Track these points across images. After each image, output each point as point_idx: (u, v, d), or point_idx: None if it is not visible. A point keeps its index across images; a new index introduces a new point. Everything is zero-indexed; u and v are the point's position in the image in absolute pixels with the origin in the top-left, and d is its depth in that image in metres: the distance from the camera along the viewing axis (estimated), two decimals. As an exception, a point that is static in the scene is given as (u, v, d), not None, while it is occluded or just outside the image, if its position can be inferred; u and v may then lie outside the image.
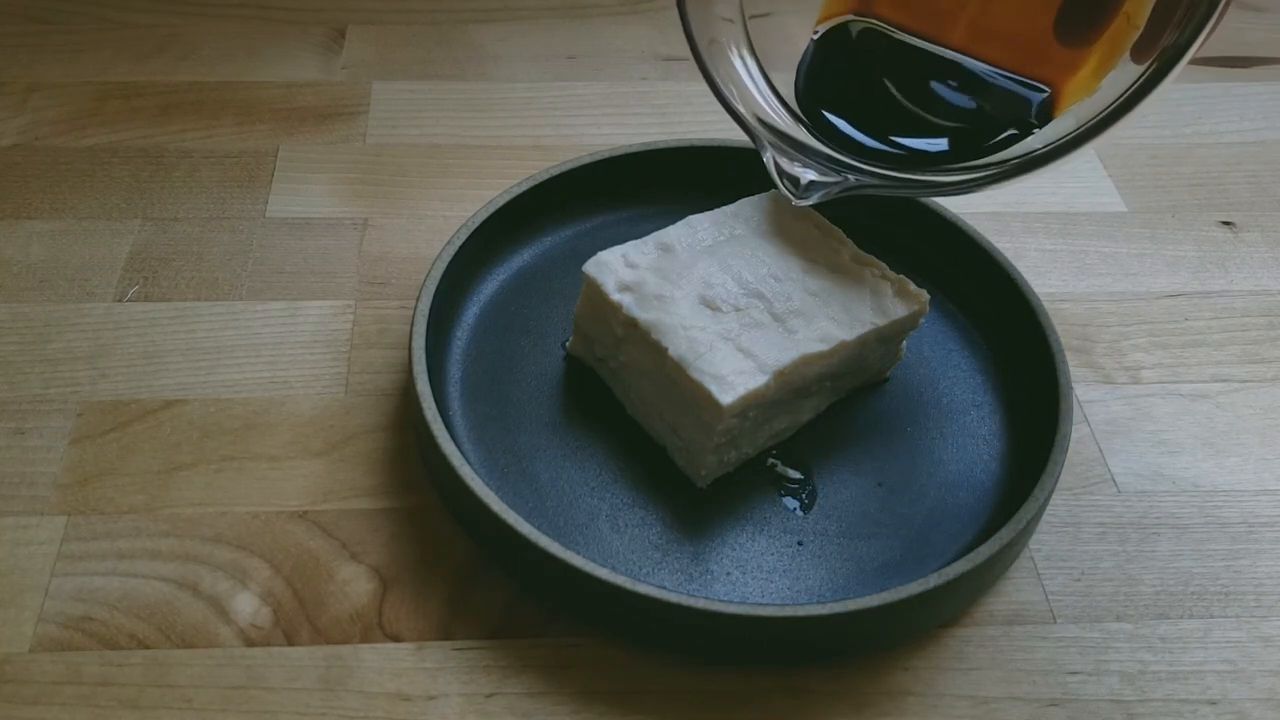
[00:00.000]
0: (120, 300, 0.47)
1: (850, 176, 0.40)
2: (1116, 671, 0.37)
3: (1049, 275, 0.51)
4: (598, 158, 0.49)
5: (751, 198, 0.44)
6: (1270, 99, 0.63)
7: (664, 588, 0.35)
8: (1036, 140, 0.38)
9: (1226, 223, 0.55)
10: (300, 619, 0.37)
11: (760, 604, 0.35)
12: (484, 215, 0.46)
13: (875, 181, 0.40)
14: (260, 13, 0.64)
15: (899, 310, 0.41)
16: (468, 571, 0.38)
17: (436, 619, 0.37)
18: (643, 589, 0.35)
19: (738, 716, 0.35)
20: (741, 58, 0.42)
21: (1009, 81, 0.40)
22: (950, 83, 0.41)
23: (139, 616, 0.36)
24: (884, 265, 0.42)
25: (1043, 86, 0.39)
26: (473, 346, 0.44)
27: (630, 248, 0.42)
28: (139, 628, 0.36)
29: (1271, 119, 0.61)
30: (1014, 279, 0.45)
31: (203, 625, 0.36)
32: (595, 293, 0.41)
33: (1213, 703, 0.37)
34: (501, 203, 0.47)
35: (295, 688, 0.35)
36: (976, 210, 0.53)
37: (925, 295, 0.42)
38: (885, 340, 0.42)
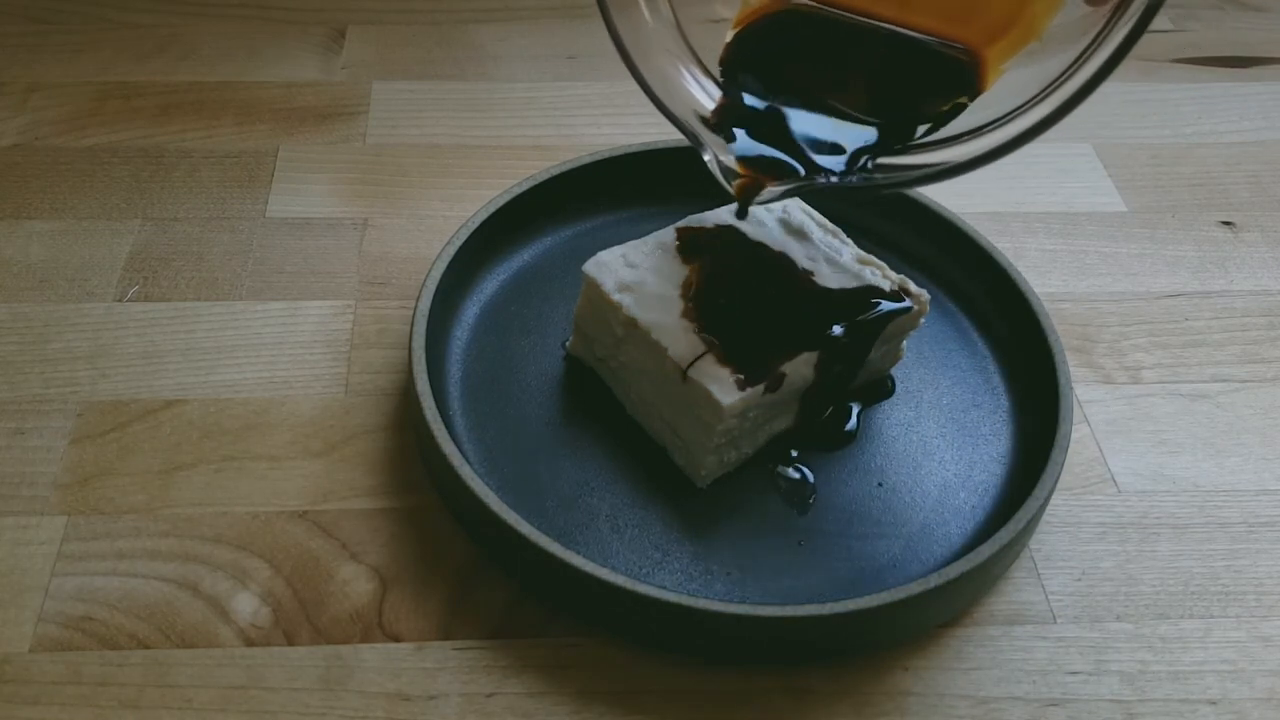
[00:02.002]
0: (120, 300, 0.47)
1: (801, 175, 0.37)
2: (1116, 671, 0.37)
3: (1049, 275, 0.51)
4: (598, 158, 0.49)
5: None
6: (1270, 99, 0.63)
7: (664, 588, 0.35)
8: (995, 108, 0.35)
9: (1226, 223, 0.55)
10: (300, 619, 0.37)
11: (760, 604, 0.35)
12: (484, 215, 0.46)
13: (829, 183, 0.37)
14: (260, 13, 0.64)
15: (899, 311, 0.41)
16: (468, 571, 0.38)
17: (436, 619, 0.37)
18: (643, 589, 0.35)
19: (738, 716, 0.35)
20: (679, 56, 0.40)
21: (945, 49, 0.37)
22: (880, 62, 0.38)
23: (139, 616, 0.36)
24: (884, 265, 0.42)
25: (970, 51, 0.36)
26: (473, 346, 0.44)
27: (630, 248, 0.42)
28: (139, 628, 0.36)
29: (1271, 119, 0.61)
30: (1014, 279, 0.45)
31: (203, 625, 0.36)
32: (595, 293, 0.41)
33: (1213, 703, 0.37)
34: (501, 203, 0.47)
35: (295, 688, 0.35)
36: (977, 210, 0.53)
37: (925, 295, 0.42)
38: (885, 340, 0.42)
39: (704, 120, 0.39)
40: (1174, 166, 0.58)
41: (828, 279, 0.41)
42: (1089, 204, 0.55)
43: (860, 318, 0.40)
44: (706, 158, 0.38)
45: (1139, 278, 0.51)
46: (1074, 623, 0.38)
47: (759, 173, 0.38)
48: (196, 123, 0.56)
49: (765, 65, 0.39)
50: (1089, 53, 0.32)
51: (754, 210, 0.43)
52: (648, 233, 0.42)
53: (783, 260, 0.42)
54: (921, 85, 0.38)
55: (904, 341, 0.44)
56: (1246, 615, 0.39)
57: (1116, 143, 0.59)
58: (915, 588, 0.35)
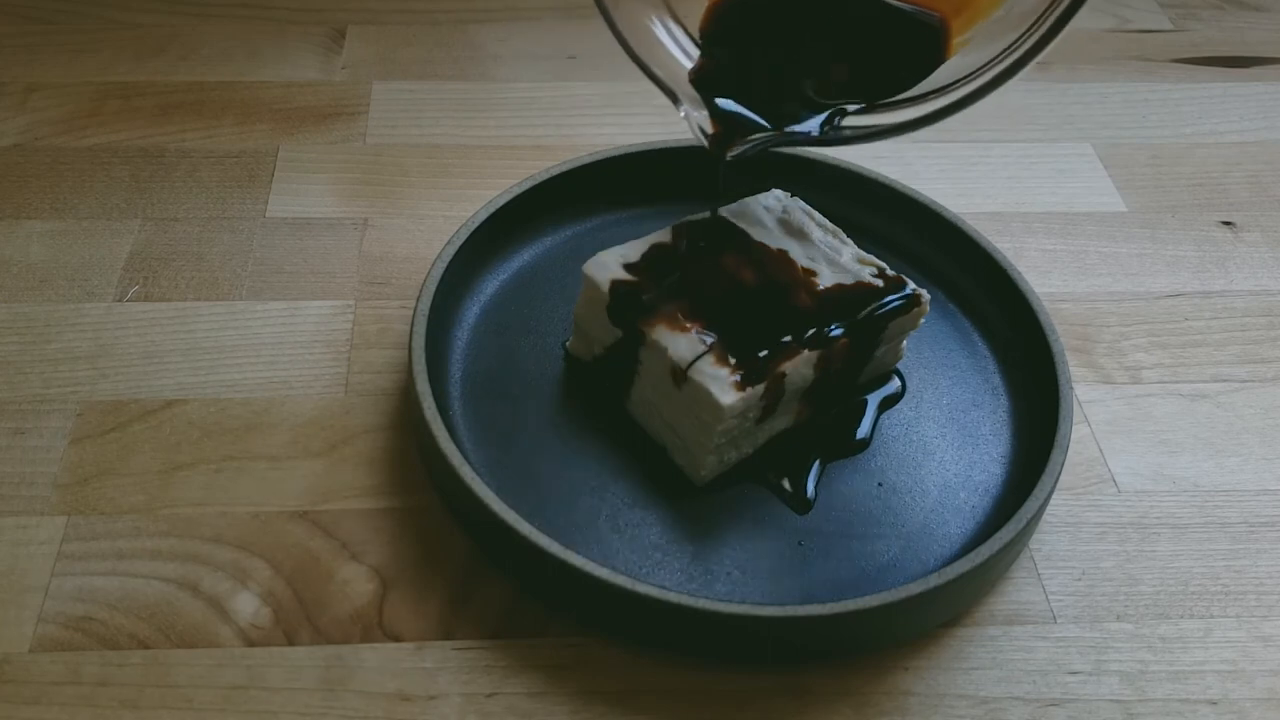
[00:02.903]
0: (120, 300, 0.47)
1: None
2: (1116, 671, 0.37)
3: (1049, 275, 0.51)
4: (598, 158, 0.49)
5: (752, 197, 0.44)
6: (1270, 99, 0.63)
7: (664, 588, 0.35)
8: (957, 69, 0.37)
9: (1226, 223, 0.55)
10: (300, 619, 0.37)
11: (760, 604, 0.35)
12: (484, 215, 0.46)
13: (798, 137, 0.39)
14: (260, 13, 0.64)
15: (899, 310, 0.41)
16: (468, 571, 0.38)
17: (436, 619, 0.37)
18: (643, 589, 0.35)
19: (738, 716, 0.35)
20: (659, 14, 0.41)
21: (917, 15, 0.39)
22: (853, 25, 0.40)
23: (139, 616, 0.36)
24: (884, 265, 0.42)
25: (936, 15, 0.38)
26: (473, 346, 0.44)
27: (630, 248, 0.42)
28: (139, 628, 0.36)
29: (1271, 119, 0.61)
30: (1014, 279, 0.45)
31: (203, 625, 0.36)
32: (595, 293, 0.41)
33: (1213, 703, 0.37)
34: (501, 203, 0.47)
35: (295, 688, 0.35)
36: (977, 210, 0.53)
37: (925, 295, 0.42)
38: (886, 340, 0.42)
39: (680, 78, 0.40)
40: (1174, 166, 0.58)
41: (828, 279, 0.41)
42: (1089, 204, 0.55)
43: (860, 317, 0.40)
44: (681, 113, 0.39)
45: (1139, 278, 0.51)
46: (1074, 623, 0.38)
47: (732, 128, 0.39)
48: (196, 123, 0.56)
49: (743, 26, 0.41)
50: (1045, 17, 0.33)
51: (754, 210, 0.44)
52: (648, 233, 0.42)
53: (783, 260, 0.42)
54: (891, 50, 0.39)
55: (904, 341, 0.44)
56: (1246, 615, 0.39)
57: (1116, 143, 0.59)
58: (915, 588, 0.35)
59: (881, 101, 0.38)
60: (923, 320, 0.43)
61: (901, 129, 0.36)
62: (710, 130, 0.39)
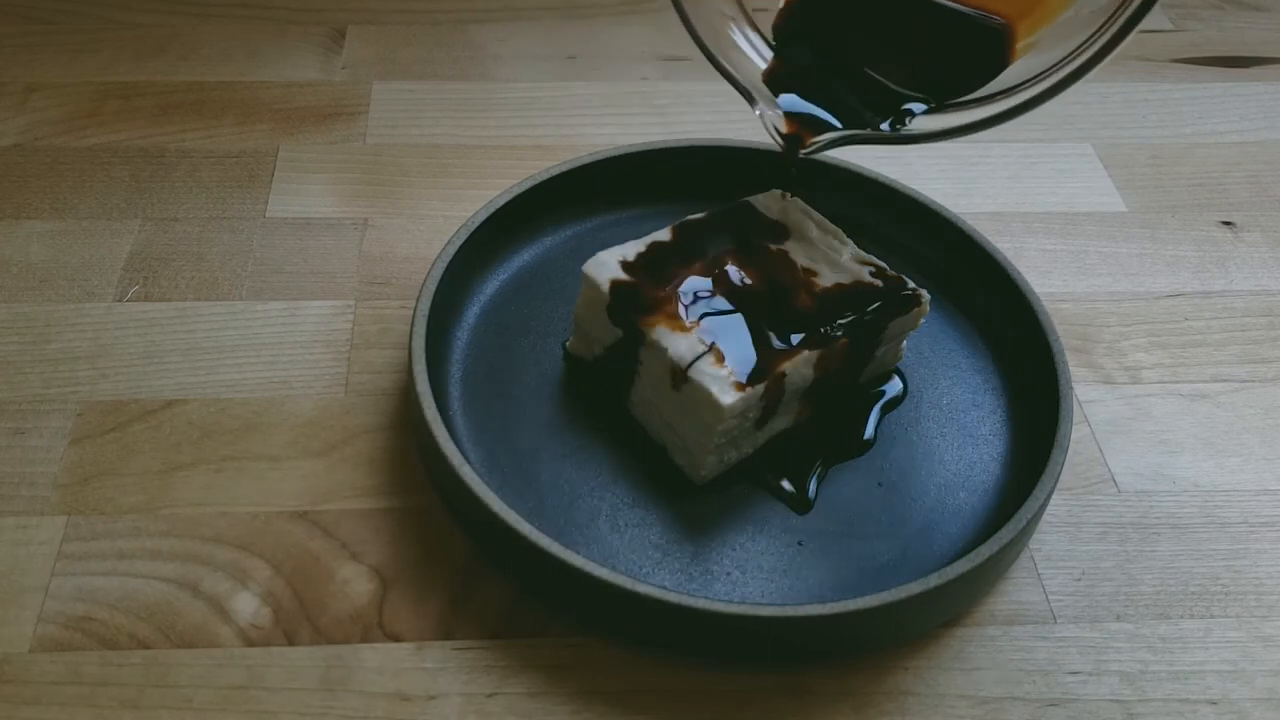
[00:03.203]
0: (120, 300, 0.47)
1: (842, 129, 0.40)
2: (1116, 671, 0.37)
3: (1049, 275, 0.51)
4: (598, 158, 0.49)
5: (752, 197, 0.44)
6: (1270, 99, 0.63)
7: (664, 588, 0.35)
8: (1025, 69, 0.38)
9: (1226, 223, 0.55)
10: (300, 619, 0.37)
11: (760, 604, 0.35)
12: (484, 215, 0.46)
13: (868, 136, 0.40)
14: (260, 13, 0.64)
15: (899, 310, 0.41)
16: (468, 571, 0.38)
17: (436, 619, 0.37)
18: (643, 589, 0.35)
19: (738, 716, 0.35)
20: (733, 17, 0.42)
21: (983, 20, 0.40)
22: (922, 29, 0.41)
23: (139, 616, 0.36)
24: (884, 265, 0.42)
25: (1001, 20, 0.39)
26: (473, 346, 0.44)
27: (629, 248, 0.42)
28: (139, 628, 0.36)
29: (1271, 119, 0.61)
30: (1014, 279, 0.45)
31: (203, 625, 0.36)
32: (595, 293, 0.41)
33: (1213, 703, 0.37)
34: (501, 203, 0.47)
35: (295, 688, 0.35)
36: (977, 210, 0.53)
37: (925, 295, 0.42)
38: (886, 340, 0.42)
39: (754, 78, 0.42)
40: (1174, 166, 0.58)
41: (827, 279, 0.41)
42: (1089, 204, 0.55)
43: (860, 317, 0.40)
44: (756, 112, 0.41)
45: (1139, 278, 0.51)
46: (1074, 623, 0.38)
47: (804, 128, 0.41)
48: (196, 123, 0.56)
49: (816, 29, 0.42)
50: (1115, 17, 0.34)
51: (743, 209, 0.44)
52: (648, 233, 0.42)
53: (782, 260, 0.42)
54: (958, 53, 0.40)
55: (904, 341, 0.44)
56: (1246, 615, 0.39)
57: (1116, 143, 0.59)
58: (915, 588, 0.35)
59: (950, 101, 0.39)
60: (923, 320, 0.43)
61: (971, 128, 0.38)
62: (784, 129, 0.40)
